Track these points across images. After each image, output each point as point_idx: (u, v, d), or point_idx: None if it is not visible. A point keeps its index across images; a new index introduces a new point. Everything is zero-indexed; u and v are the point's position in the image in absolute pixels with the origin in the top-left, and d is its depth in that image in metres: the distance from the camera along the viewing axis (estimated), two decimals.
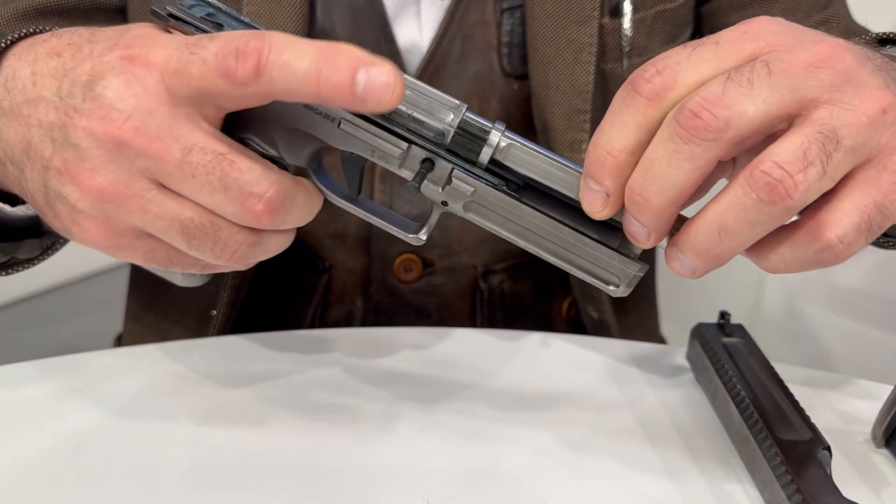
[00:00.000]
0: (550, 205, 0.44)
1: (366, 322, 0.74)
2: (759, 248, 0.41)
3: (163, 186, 0.42)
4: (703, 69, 0.40)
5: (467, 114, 0.43)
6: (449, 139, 0.43)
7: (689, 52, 0.40)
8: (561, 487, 0.48)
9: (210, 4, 0.45)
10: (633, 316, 0.78)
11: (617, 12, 0.69)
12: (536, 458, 0.50)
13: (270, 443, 0.50)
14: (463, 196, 0.44)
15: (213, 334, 0.71)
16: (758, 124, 0.39)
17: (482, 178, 0.44)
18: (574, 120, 0.69)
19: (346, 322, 0.74)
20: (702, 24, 0.74)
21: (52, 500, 0.46)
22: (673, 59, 0.41)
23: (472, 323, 0.74)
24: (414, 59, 0.70)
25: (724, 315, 0.58)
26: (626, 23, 0.69)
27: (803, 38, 0.40)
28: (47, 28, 0.48)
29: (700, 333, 0.57)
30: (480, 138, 0.43)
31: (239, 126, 0.44)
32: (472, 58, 0.70)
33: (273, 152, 0.45)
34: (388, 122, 0.44)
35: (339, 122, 0.44)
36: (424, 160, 0.44)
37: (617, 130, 0.40)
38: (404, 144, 0.43)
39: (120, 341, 0.85)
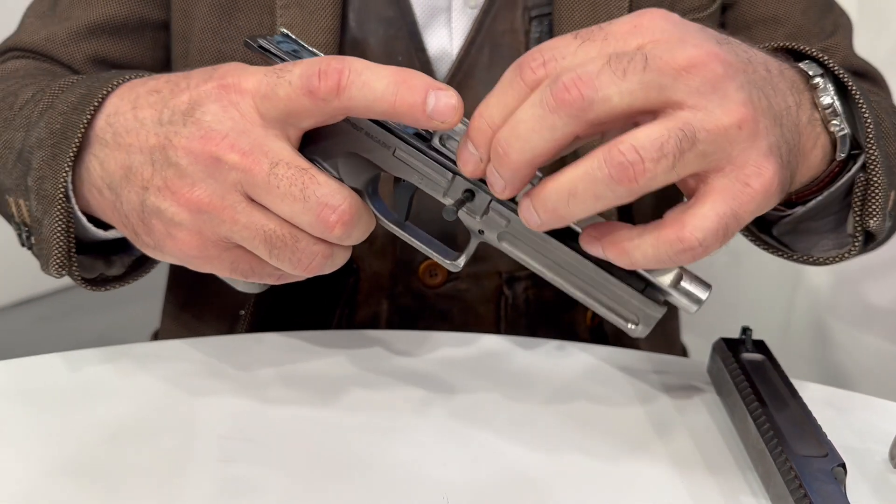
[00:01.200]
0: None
1: (391, 325, 0.75)
2: (621, 244, 0.44)
3: (251, 200, 0.47)
4: (588, 65, 0.42)
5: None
6: None
7: (577, 46, 0.43)
8: (577, 497, 0.49)
9: (296, 42, 0.51)
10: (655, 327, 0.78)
11: None
12: (554, 466, 0.51)
13: (297, 437, 0.52)
14: (498, 226, 0.47)
15: (241, 333, 0.72)
16: (617, 113, 0.42)
17: (516, 211, 0.45)
18: None
19: (372, 324, 0.75)
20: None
21: (87, 486, 0.47)
22: (560, 50, 0.43)
23: (496, 329, 0.75)
24: (443, 68, 0.71)
25: (745, 330, 0.58)
26: None
27: (686, 39, 0.43)
28: (141, 74, 0.54)
29: (721, 348, 0.58)
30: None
31: (308, 149, 0.48)
32: (500, 65, 0.71)
33: (335, 174, 0.49)
34: (437, 153, 0.47)
35: (395, 151, 0.48)
36: (466, 190, 0.47)
37: (499, 107, 0.44)
38: (450, 175, 0.47)
39: (156, 337, 0.87)
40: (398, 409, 0.55)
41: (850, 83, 0.54)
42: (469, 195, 0.47)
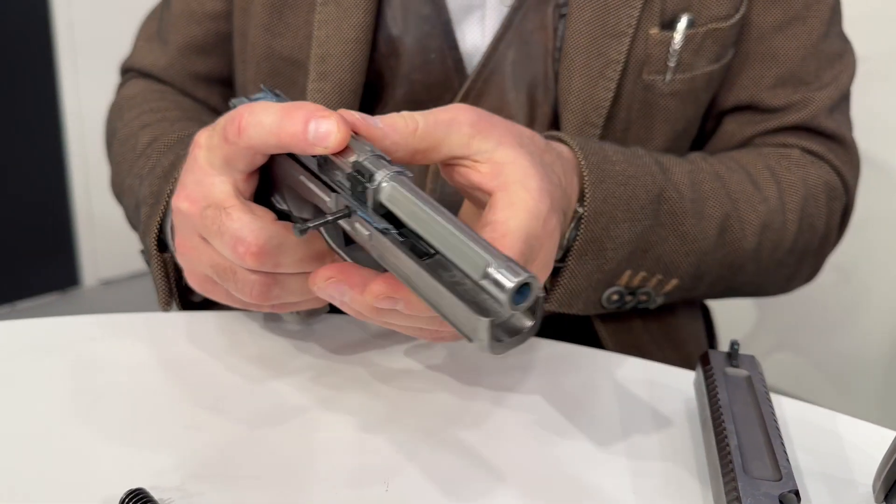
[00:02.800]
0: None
1: None
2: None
3: (205, 240, 0.52)
4: None
5: (369, 158, 0.44)
6: (347, 181, 0.45)
7: None
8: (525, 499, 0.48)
9: (271, 93, 0.55)
10: (661, 336, 0.77)
11: (671, 25, 0.69)
12: (510, 466, 0.51)
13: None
14: (366, 241, 0.45)
15: None
16: None
17: (372, 221, 0.44)
18: (585, 132, 0.69)
19: None
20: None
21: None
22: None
23: None
24: (473, 64, 0.72)
25: (733, 344, 0.56)
26: (678, 37, 0.68)
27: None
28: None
29: (706, 360, 0.56)
30: (364, 179, 0.44)
31: (271, 189, 0.53)
32: (526, 63, 0.71)
33: (286, 207, 0.53)
34: (326, 174, 0.48)
35: (301, 176, 0.50)
36: (346, 207, 0.46)
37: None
38: (332, 193, 0.47)
39: None
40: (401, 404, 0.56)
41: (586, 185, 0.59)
42: (346, 212, 0.46)
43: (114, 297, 2.24)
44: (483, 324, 0.39)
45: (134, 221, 0.73)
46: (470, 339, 0.41)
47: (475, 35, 0.72)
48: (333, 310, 0.55)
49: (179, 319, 0.63)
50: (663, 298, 0.68)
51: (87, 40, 2.11)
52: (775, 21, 0.73)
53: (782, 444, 0.49)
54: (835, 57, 0.75)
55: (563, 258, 0.62)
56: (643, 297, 0.67)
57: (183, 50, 0.83)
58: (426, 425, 0.54)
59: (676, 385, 0.59)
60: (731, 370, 0.55)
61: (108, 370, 0.57)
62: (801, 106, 0.74)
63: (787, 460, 0.47)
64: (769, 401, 0.53)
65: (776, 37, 0.73)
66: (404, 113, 0.49)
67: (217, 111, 0.86)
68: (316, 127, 0.46)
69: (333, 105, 0.72)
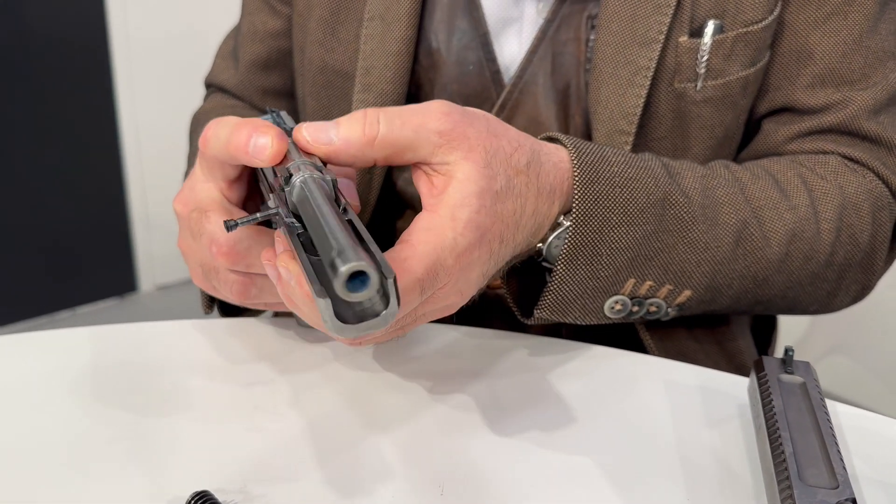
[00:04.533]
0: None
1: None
2: None
3: (194, 239, 0.57)
4: None
5: (296, 164, 0.48)
6: (276, 182, 0.50)
7: None
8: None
9: (276, 115, 0.61)
10: (710, 341, 0.76)
11: (699, 32, 0.68)
12: (565, 469, 0.52)
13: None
14: (286, 237, 0.47)
15: None
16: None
17: (284, 217, 0.47)
18: (615, 140, 0.69)
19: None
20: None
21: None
22: None
23: (547, 330, 0.76)
24: (509, 76, 0.74)
25: (787, 351, 0.56)
26: (706, 43, 0.68)
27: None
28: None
29: (760, 366, 0.56)
30: (286, 180, 0.48)
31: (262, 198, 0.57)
32: (559, 74, 0.72)
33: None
34: (274, 178, 0.51)
35: (260, 182, 0.55)
36: (275, 207, 0.49)
37: None
38: (270, 195, 0.51)
39: None
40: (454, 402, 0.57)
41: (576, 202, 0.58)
42: (275, 211, 0.49)
43: (170, 302, 2.29)
44: (323, 304, 0.42)
45: None
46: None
47: (512, 47, 0.73)
48: None
49: (235, 325, 0.65)
50: (677, 311, 0.65)
51: (141, 50, 2.16)
52: (810, 18, 0.71)
53: (838, 451, 0.49)
54: (885, 55, 0.72)
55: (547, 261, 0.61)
56: (652, 308, 0.64)
57: (250, 67, 0.88)
58: (478, 428, 0.55)
59: (730, 391, 0.59)
60: (785, 377, 0.55)
61: (171, 375, 0.59)
62: (841, 107, 0.71)
63: (844, 468, 0.47)
64: (824, 407, 0.52)
65: (812, 34, 0.71)
66: (370, 113, 0.51)
67: None
68: (255, 141, 0.50)
69: None
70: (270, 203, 0.50)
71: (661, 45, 0.68)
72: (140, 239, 2.27)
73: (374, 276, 0.40)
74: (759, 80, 0.73)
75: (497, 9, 0.73)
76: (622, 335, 0.73)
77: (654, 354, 0.72)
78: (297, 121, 0.91)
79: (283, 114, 0.63)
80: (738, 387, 0.59)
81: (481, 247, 0.52)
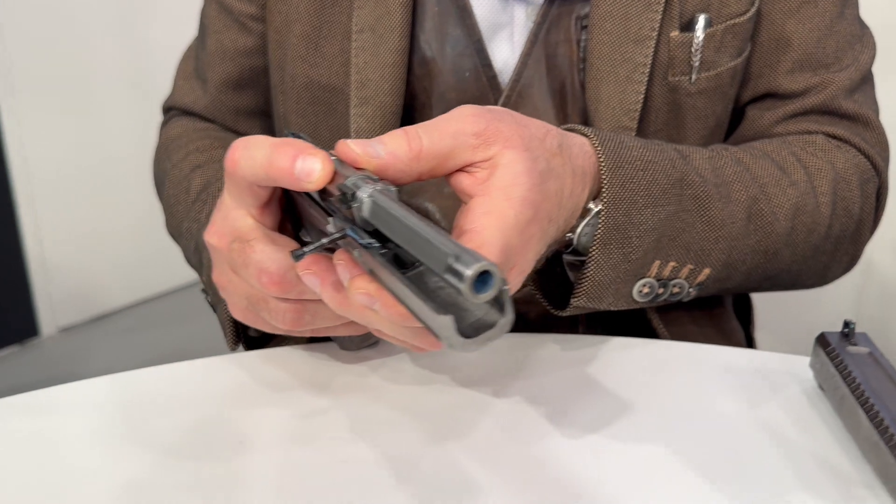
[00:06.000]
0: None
1: None
2: None
3: (236, 273, 0.54)
4: None
5: (353, 179, 0.45)
6: (338, 205, 0.46)
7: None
8: (697, 493, 0.49)
9: (297, 137, 0.56)
10: (708, 327, 0.79)
11: (689, 26, 0.71)
12: (649, 470, 0.52)
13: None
14: (358, 258, 0.45)
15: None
16: None
17: (358, 237, 0.45)
18: None
19: None
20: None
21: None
22: None
23: (575, 328, 0.76)
24: (506, 80, 0.74)
25: (847, 324, 0.58)
26: (698, 37, 0.70)
27: None
28: None
29: (825, 342, 0.57)
30: (349, 200, 0.45)
31: (298, 224, 0.56)
32: (554, 74, 0.73)
33: (309, 239, 0.55)
34: (325, 201, 0.49)
35: (309, 207, 0.51)
36: (340, 229, 0.46)
37: None
38: (329, 218, 0.48)
39: None
40: (497, 409, 0.56)
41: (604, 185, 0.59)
42: (342, 234, 0.47)
43: (74, 344, 2.17)
44: (447, 322, 0.39)
45: (194, 262, 0.73)
46: (441, 342, 0.40)
47: (505, 51, 0.74)
48: None
49: (269, 356, 0.63)
50: (697, 290, 0.67)
51: (26, 84, 2.06)
52: (785, 7, 0.74)
53: None
54: (853, 37, 0.76)
55: (575, 252, 0.61)
56: (675, 290, 0.66)
57: (221, 87, 0.84)
58: (557, 429, 0.54)
59: (789, 370, 0.60)
60: (852, 349, 0.56)
61: (221, 410, 0.56)
62: (820, 88, 0.75)
63: None
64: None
65: (788, 22, 0.74)
66: (409, 130, 0.50)
67: None
68: (302, 164, 0.47)
69: (376, 128, 0.74)
70: (330, 227, 0.48)
71: (654, 41, 0.70)
72: (38, 282, 2.15)
73: (497, 273, 0.38)
74: (743, 70, 0.76)
75: (488, 14, 0.73)
76: (633, 325, 0.75)
77: (666, 340, 0.74)
78: None
79: (304, 136, 0.60)
80: (794, 364, 0.61)
81: (537, 223, 0.51)
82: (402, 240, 0.42)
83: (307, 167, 0.47)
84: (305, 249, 0.47)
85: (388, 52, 0.72)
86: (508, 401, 0.57)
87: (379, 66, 0.73)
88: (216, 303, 0.65)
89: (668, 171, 0.62)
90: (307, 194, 0.52)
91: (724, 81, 0.74)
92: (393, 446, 0.53)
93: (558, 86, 0.73)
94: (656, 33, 0.70)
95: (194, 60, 0.87)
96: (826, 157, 0.73)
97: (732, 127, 0.80)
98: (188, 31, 0.92)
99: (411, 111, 0.76)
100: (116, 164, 2.20)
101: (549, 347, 0.63)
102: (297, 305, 0.53)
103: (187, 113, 0.87)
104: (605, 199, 0.58)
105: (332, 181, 0.48)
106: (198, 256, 0.70)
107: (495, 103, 0.74)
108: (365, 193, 0.44)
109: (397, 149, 0.49)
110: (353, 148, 0.49)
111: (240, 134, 0.86)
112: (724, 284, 0.69)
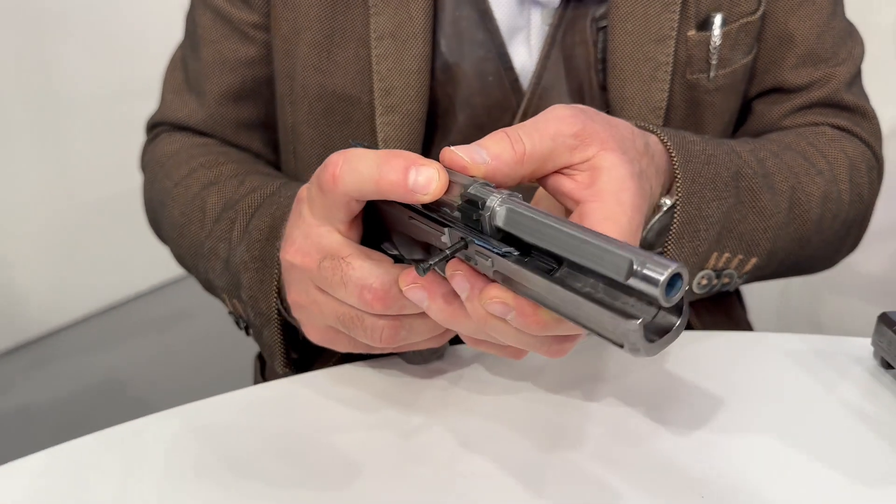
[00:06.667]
0: (580, 271, 0.42)
1: None
2: None
3: (324, 291, 0.52)
4: None
5: (475, 186, 0.45)
6: (458, 213, 0.45)
7: None
8: (780, 489, 0.51)
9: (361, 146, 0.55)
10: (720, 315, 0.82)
11: (705, 26, 0.73)
12: (765, 460, 0.53)
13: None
14: (489, 268, 0.44)
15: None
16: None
17: (493, 247, 0.44)
18: None
19: None
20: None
21: None
22: None
23: None
24: (525, 83, 0.74)
25: None
26: (716, 35, 0.73)
27: None
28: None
29: (889, 320, 0.60)
30: (476, 205, 0.44)
31: (379, 236, 0.54)
32: (572, 76, 0.74)
33: (396, 252, 0.53)
34: (434, 212, 0.48)
35: (409, 217, 0.50)
36: (461, 238, 0.45)
37: None
38: (444, 229, 0.46)
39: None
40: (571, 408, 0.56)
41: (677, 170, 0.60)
42: (463, 244, 0.45)
43: None
44: (635, 327, 0.39)
45: (220, 283, 0.69)
46: (620, 346, 0.40)
47: (522, 54, 0.74)
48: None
49: (339, 375, 0.61)
50: (743, 280, 0.69)
51: None
52: (786, 6, 0.78)
53: None
54: (846, 33, 0.81)
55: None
56: (726, 280, 0.68)
57: (220, 99, 0.81)
58: (666, 430, 0.55)
59: (846, 351, 0.63)
60: None
61: (316, 436, 0.54)
62: (824, 82, 0.79)
63: None
64: None
65: (790, 20, 0.78)
66: (510, 132, 0.49)
67: (260, 156, 0.84)
68: (416, 175, 0.45)
69: (403, 136, 0.73)
70: (445, 238, 0.47)
71: (674, 40, 0.72)
72: None
73: (685, 275, 0.38)
74: (753, 66, 0.79)
75: (507, 18, 0.73)
76: None
77: (699, 329, 0.76)
78: (277, 157, 0.85)
79: (364, 143, 0.58)
80: (853, 346, 0.64)
81: (640, 228, 0.52)
82: (558, 246, 0.41)
83: (423, 179, 0.46)
84: (431, 262, 0.45)
85: (411, 59, 0.71)
86: (602, 402, 0.57)
87: (403, 73, 0.72)
88: (263, 325, 0.63)
89: (727, 164, 0.64)
90: (407, 206, 0.50)
91: (738, 78, 0.77)
92: (510, 457, 0.52)
93: (576, 87, 0.74)
94: (675, 32, 0.72)
95: (183, 72, 0.83)
96: (839, 147, 0.77)
97: (738, 122, 0.83)
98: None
99: (434, 118, 0.75)
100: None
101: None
102: (395, 322, 0.52)
103: (181, 128, 0.83)
104: (679, 194, 0.60)
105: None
106: (229, 277, 0.67)
107: (517, 107, 0.74)
108: (496, 201, 0.43)
109: (502, 153, 0.48)
110: (461, 155, 0.48)
111: (240, 148, 0.82)
112: (762, 272, 0.71)
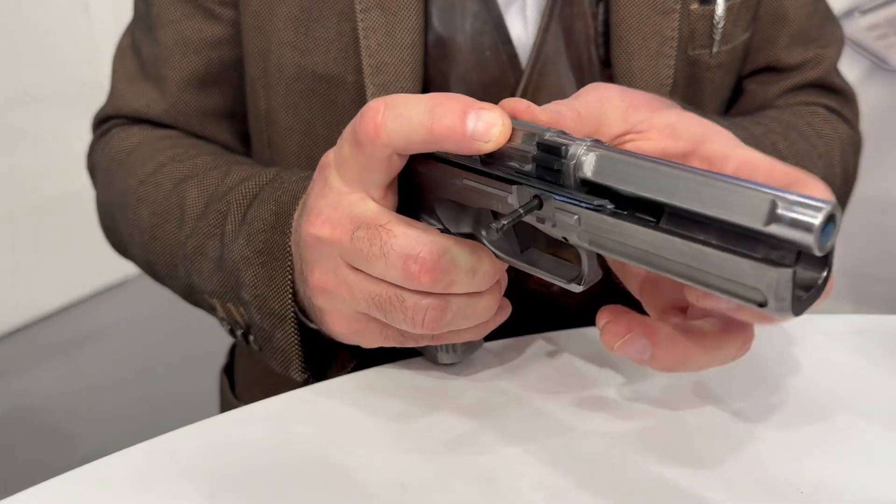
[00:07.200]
0: (682, 224, 0.36)
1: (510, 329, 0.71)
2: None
3: (357, 269, 0.45)
4: None
5: (553, 133, 0.40)
6: (533, 164, 0.40)
7: None
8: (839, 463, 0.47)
9: None
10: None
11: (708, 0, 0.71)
12: (836, 444, 0.50)
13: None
14: (573, 227, 0.39)
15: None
16: None
17: (580, 201, 0.38)
18: None
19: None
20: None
21: None
22: None
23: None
24: (523, 57, 0.69)
25: None
26: (720, 9, 0.70)
27: None
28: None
29: None
30: (557, 153, 0.39)
31: (414, 208, 0.47)
32: (572, 50, 0.69)
33: (439, 225, 0.47)
34: (496, 169, 0.42)
35: (462, 181, 0.44)
36: (534, 197, 0.40)
37: None
38: (512, 187, 0.41)
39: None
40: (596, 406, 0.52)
41: None
42: (537, 202, 0.40)
43: None
44: (785, 276, 0.32)
45: (207, 287, 0.61)
46: (761, 305, 0.34)
47: (518, 27, 0.69)
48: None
49: (370, 379, 0.54)
50: None
51: None
52: None
53: None
54: (830, 16, 0.80)
55: None
56: None
57: (183, 86, 0.73)
58: (709, 417, 0.51)
59: (886, 330, 0.60)
60: None
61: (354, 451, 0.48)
62: (816, 63, 0.78)
63: None
64: None
65: None
66: (555, 102, 0.45)
67: (229, 149, 0.75)
68: (476, 120, 0.40)
69: None
70: (512, 198, 0.41)
71: (678, 13, 0.68)
72: None
73: (840, 215, 0.32)
74: (748, 44, 0.77)
75: None
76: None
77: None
78: (248, 149, 0.77)
79: None
80: (881, 323, 0.61)
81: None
82: (673, 195, 0.35)
83: (483, 123, 0.40)
84: (504, 221, 0.39)
85: (404, 32, 0.65)
86: (656, 395, 0.53)
87: (395, 47, 0.65)
88: (274, 326, 0.55)
89: (767, 147, 0.62)
90: (456, 165, 0.44)
91: (738, 55, 0.74)
92: (582, 458, 0.47)
93: (577, 62, 0.69)
94: (679, 5, 0.68)
95: (136, 59, 0.75)
96: (832, 128, 0.76)
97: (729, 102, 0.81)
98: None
99: None
100: None
101: None
102: (441, 302, 0.45)
103: (138, 120, 0.74)
104: None
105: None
106: (223, 277, 0.59)
107: (516, 83, 0.69)
108: (581, 148, 0.38)
109: (559, 107, 0.43)
110: (520, 102, 0.43)
111: (207, 140, 0.74)
112: None
